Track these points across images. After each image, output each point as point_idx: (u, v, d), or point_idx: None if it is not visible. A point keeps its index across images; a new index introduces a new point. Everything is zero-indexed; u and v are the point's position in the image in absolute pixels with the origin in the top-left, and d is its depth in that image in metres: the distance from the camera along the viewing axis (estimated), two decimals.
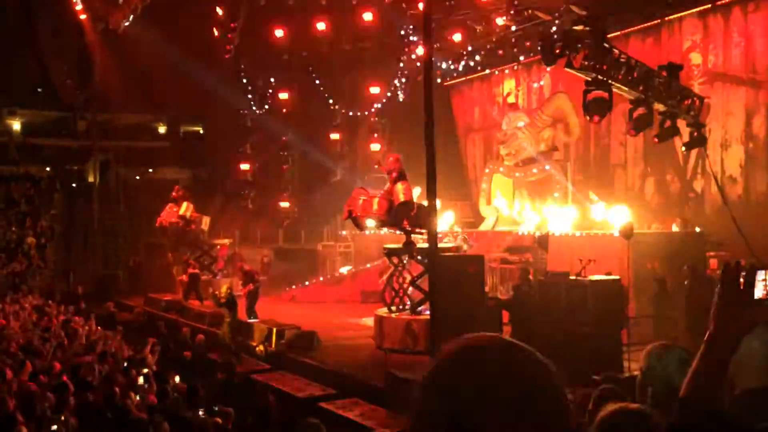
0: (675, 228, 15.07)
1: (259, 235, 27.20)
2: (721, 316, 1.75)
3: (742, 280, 1.75)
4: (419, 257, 13.02)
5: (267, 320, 15.00)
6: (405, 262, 13.55)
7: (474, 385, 1.10)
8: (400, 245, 13.53)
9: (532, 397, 1.09)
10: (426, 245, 10.48)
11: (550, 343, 10.32)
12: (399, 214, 12.68)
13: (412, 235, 13.11)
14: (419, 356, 11.22)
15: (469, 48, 21.63)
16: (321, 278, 21.99)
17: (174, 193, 21.58)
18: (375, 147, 25.20)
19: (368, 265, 20.59)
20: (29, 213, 26.81)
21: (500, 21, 19.99)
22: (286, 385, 11.10)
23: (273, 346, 13.58)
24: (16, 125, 33.19)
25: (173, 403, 8.55)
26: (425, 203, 9.55)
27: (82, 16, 23.62)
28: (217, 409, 9.77)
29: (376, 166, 14.75)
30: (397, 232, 13.84)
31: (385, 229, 15.48)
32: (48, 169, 31.86)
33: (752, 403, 2.26)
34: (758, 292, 1.75)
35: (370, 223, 13.86)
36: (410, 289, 13.24)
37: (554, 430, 1.10)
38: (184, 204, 21.16)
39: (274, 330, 13.76)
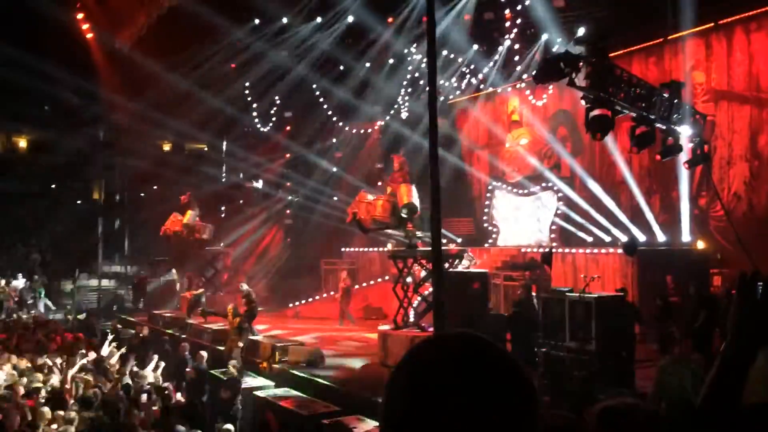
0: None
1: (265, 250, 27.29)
2: (740, 326, 1.71)
3: (759, 289, 1.71)
4: (423, 261, 12.92)
5: (270, 337, 14.93)
6: (410, 266, 13.42)
7: (429, 383, 1.05)
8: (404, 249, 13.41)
9: (496, 393, 1.04)
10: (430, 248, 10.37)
11: (554, 360, 10.31)
12: (403, 217, 12.60)
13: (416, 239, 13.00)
14: None
15: (473, 66, 21.75)
16: (324, 294, 21.96)
17: (183, 198, 21.31)
18: (379, 165, 25.27)
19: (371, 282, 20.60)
20: (34, 230, 26.92)
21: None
22: (290, 402, 11.04)
23: (277, 362, 13.52)
24: (22, 143, 33.46)
25: (174, 421, 8.53)
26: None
27: (89, 35, 23.86)
28: (217, 426, 9.76)
29: (379, 184, 14.82)
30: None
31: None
32: (53, 186, 32.05)
33: (756, 419, 2.24)
34: None
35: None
36: (416, 302, 13.14)
37: (520, 426, 1.05)
38: (188, 212, 20.82)
39: (278, 346, 13.71)
